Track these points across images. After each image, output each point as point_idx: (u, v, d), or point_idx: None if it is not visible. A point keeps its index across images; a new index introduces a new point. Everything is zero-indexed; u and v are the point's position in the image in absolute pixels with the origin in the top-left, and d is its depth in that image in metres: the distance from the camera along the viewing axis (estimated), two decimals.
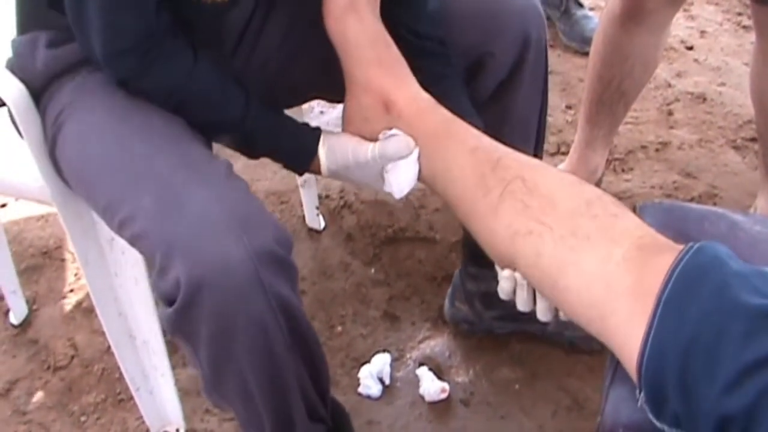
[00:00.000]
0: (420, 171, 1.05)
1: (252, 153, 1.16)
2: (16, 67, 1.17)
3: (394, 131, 1.06)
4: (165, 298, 0.98)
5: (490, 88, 1.29)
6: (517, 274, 0.94)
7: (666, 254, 0.76)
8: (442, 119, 1.05)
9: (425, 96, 1.07)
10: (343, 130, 1.14)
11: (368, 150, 1.08)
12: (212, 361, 1.03)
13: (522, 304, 0.98)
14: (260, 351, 1.01)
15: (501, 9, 1.25)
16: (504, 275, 0.96)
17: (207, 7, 1.09)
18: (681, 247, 0.77)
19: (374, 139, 1.09)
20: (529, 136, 1.38)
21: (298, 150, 1.13)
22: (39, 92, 1.15)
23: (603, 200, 0.87)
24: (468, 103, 1.20)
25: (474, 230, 0.97)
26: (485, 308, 1.60)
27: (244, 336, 0.98)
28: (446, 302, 1.68)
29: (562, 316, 0.93)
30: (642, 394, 0.74)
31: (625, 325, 0.76)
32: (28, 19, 1.16)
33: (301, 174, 1.17)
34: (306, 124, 1.16)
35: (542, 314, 0.96)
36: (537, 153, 1.40)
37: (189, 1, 1.07)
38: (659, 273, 0.74)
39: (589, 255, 0.81)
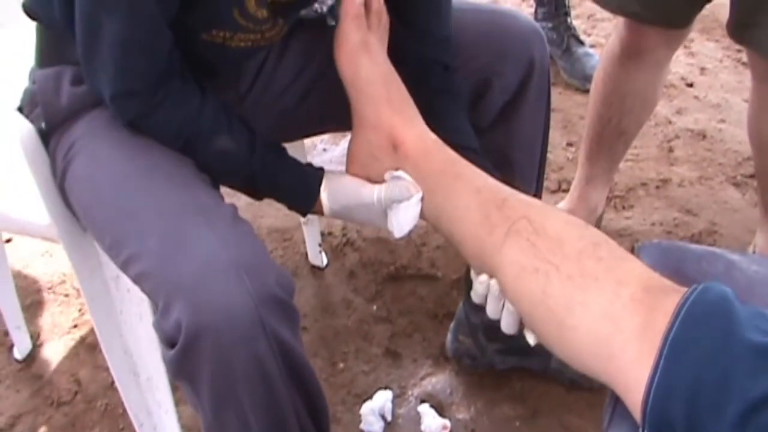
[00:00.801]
0: (424, 210, 1.06)
1: (256, 194, 1.17)
2: (39, 100, 1.17)
3: (399, 173, 1.08)
4: (166, 340, 0.98)
5: (497, 108, 1.32)
6: (492, 281, 0.95)
7: (673, 296, 0.77)
8: (448, 159, 1.06)
9: (432, 136, 1.09)
10: (347, 167, 1.15)
11: (373, 193, 1.10)
12: (214, 403, 1.02)
13: (492, 312, 0.98)
14: (261, 394, 1.01)
15: (507, 33, 1.29)
16: (480, 279, 0.97)
17: (231, 50, 1.11)
18: (686, 289, 0.77)
19: (379, 178, 1.10)
20: (534, 155, 1.40)
21: (302, 191, 1.15)
22: (56, 127, 1.16)
23: (609, 244, 0.88)
24: (467, 123, 1.23)
25: (478, 269, 0.98)
26: (488, 341, 1.61)
27: (245, 379, 0.98)
28: (449, 337, 1.68)
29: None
30: None
31: (633, 364, 0.76)
32: (50, 52, 1.17)
33: (304, 215, 1.18)
34: (309, 165, 1.17)
35: (507, 327, 0.97)
36: (540, 174, 1.43)
37: (213, 44, 1.09)
38: (667, 313, 0.75)
39: (596, 295, 0.81)
